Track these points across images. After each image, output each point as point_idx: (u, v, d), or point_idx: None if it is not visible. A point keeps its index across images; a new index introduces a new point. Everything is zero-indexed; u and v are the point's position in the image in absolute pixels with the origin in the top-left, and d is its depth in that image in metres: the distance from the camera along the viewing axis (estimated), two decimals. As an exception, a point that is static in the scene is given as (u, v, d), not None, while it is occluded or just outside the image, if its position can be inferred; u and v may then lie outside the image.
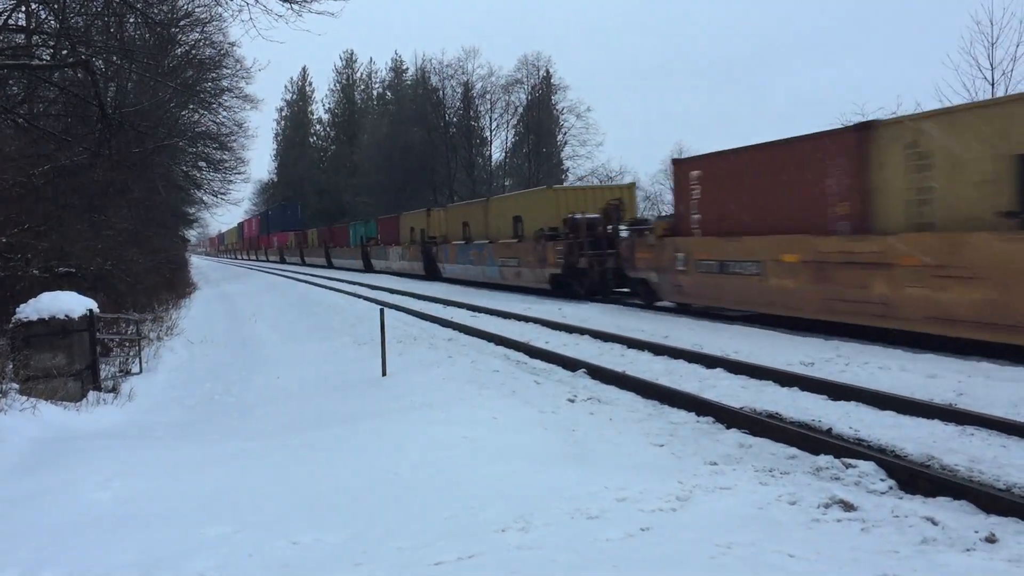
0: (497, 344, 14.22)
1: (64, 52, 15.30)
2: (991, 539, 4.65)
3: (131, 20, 19.49)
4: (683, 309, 17.36)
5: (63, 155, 16.19)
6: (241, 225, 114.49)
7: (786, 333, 13.24)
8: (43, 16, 16.76)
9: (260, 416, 10.12)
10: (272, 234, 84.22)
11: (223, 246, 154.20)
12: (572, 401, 9.12)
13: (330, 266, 55.19)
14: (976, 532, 4.76)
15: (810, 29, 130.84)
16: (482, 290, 27.29)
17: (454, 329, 16.77)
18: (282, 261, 75.47)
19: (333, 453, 7.20)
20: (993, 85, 26.95)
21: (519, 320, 17.57)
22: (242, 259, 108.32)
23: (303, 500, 5.80)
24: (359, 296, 26.92)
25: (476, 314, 19.62)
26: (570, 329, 15.26)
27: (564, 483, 5.90)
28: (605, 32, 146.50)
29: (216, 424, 9.92)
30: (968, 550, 4.53)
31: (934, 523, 4.90)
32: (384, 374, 11.77)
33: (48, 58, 15.79)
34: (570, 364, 11.44)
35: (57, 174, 16.14)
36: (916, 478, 5.85)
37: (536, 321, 16.95)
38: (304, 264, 65.74)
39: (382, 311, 12.93)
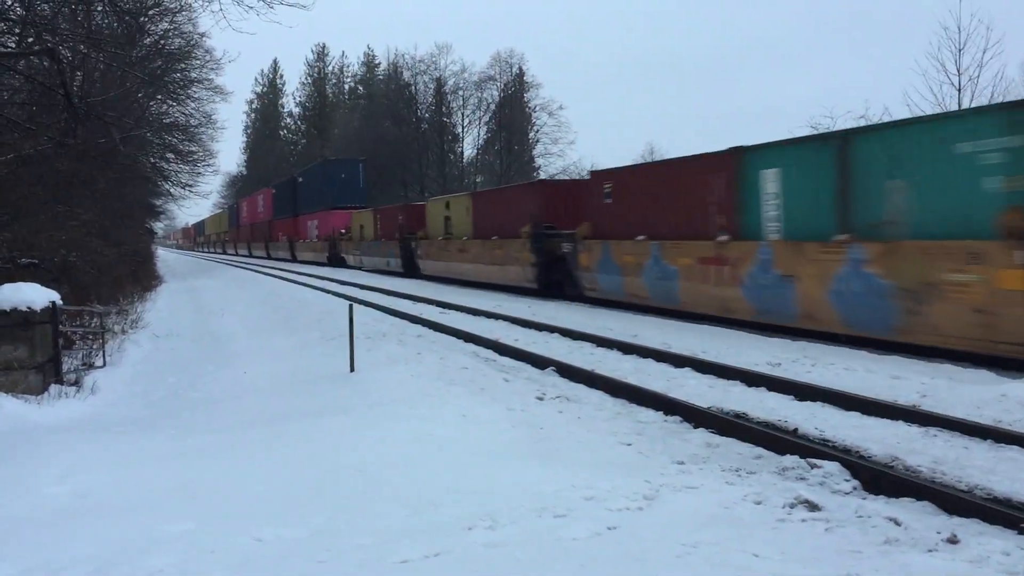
0: (466, 341, 14.19)
1: (30, 40, 15.07)
2: (953, 540, 4.69)
3: (99, 8, 19.20)
4: (648, 308, 17.43)
5: (27, 144, 15.92)
6: (234, 208, 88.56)
7: (754, 334, 13.33)
8: (8, 2, 16.47)
9: (225, 411, 10.01)
10: (300, 216, 55.78)
11: (201, 237, 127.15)
12: (541, 399, 9.11)
13: (412, 273, 33.86)
14: (938, 533, 4.80)
15: (782, 33, 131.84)
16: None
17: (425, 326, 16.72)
18: (336, 263, 45.52)
19: (298, 449, 7.13)
20: (960, 91, 27.32)
21: (489, 317, 17.55)
22: (235, 255, 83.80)
23: (266, 496, 5.74)
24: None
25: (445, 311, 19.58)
26: (540, 327, 15.26)
27: (532, 481, 5.88)
28: (579, 31, 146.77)
29: (180, 419, 9.80)
30: (930, 551, 4.56)
31: (897, 524, 4.94)
32: (352, 370, 11.69)
33: (13, 46, 15.52)
34: (539, 362, 11.43)
35: (21, 164, 15.87)
36: (880, 479, 5.90)
37: (506, 318, 16.94)
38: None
39: (351, 307, 12.85)
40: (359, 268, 41.07)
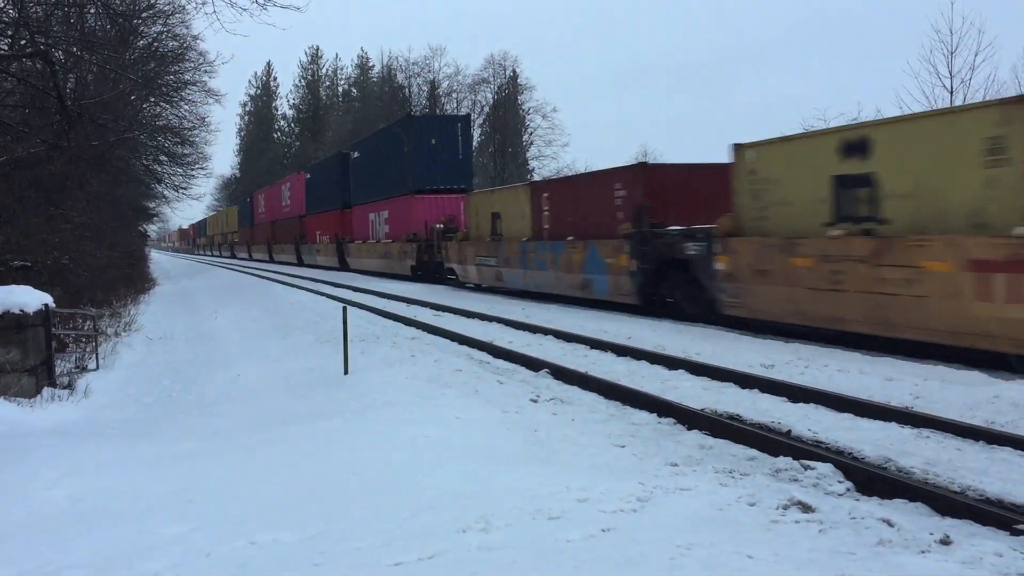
0: (460, 343, 14.20)
1: (23, 42, 15.04)
2: (945, 541, 4.71)
3: (92, 11, 19.19)
4: (642, 310, 17.45)
5: (20, 147, 15.89)
6: (247, 202, 73.90)
7: (748, 335, 13.35)
8: (1, 5, 16.44)
9: (219, 414, 10.00)
10: (357, 208, 41.30)
11: (202, 238, 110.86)
12: (535, 401, 9.12)
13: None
14: (931, 534, 4.82)
15: (776, 35, 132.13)
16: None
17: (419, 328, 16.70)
18: (431, 276, 31.19)
19: (293, 452, 7.13)
20: (952, 93, 27.39)
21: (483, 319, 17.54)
22: (247, 259, 71.47)
23: (262, 499, 5.73)
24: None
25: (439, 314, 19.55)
26: (534, 329, 15.27)
27: (526, 483, 5.88)
28: (573, 34, 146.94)
29: (174, 422, 9.79)
30: (923, 552, 4.58)
31: (890, 525, 4.96)
32: (346, 372, 11.69)
33: (6, 48, 15.49)
34: (533, 364, 11.44)
35: (14, 166, 15.84)
36: (873, 480, 5.92)
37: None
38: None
39: (345, 309, 12.84)
40: (482, 285, 26.93)
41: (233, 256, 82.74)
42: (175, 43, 29.63)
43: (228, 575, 4.38)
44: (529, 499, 5.48)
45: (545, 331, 14.84)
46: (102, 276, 21.45)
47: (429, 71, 66.68)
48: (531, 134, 65.09)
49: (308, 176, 52.32)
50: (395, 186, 34.42)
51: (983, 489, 5.63)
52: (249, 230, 73.43)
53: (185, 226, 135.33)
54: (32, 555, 4.79)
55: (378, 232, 37.82)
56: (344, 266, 43.41)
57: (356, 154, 41.93)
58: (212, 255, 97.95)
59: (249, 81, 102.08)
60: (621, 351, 12.19)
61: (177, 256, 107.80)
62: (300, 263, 51.77)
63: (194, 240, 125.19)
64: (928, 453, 6.53)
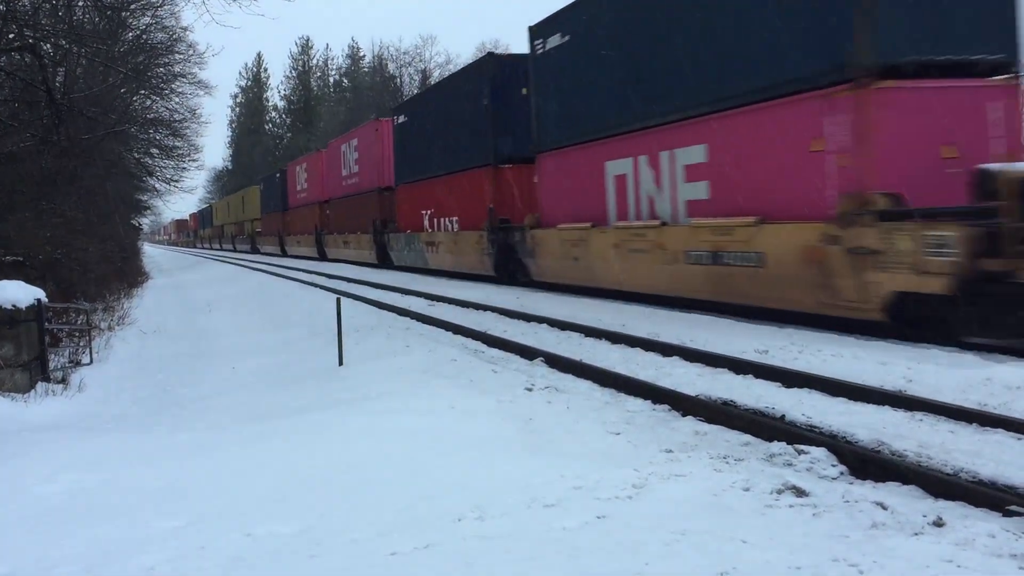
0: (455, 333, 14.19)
1: (11, 36, 14.95)
2: (939, 523, 4.73)
3: (80, 3, 19.11)
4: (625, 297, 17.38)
5: (10, 141, 15.83)
6: (276, 180, 56.81)
7: (741, 321, 13.37)
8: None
9: (214, 407, 10.00)
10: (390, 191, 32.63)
11: (207, 229, 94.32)
12: (529, 390, 9.12)
13: None
14: (924, 516, 4.84)
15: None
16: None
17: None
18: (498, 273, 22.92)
19: (288, 444, 7.13)
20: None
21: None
22: (278, 255, 55.30)
23: (257, 492, 5.74)
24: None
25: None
26: (528, 318, 15.28)
27: (521, 472, 5.90)
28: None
29: (169, 415, 9.78)
30: (916, 534, 4.61)
31: (884, 508, 4.98)
32: (340, 364, 11.69)
33: (-7, 42, 15.40)
34: (528, 353, 11.45)
35: (3, 161, 15.78)
36: (867, 463, 5.94)
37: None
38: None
39: (338, 300, 12.83)
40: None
41: (255, 251, 64.63)
42: (164, 35, 29.60)
43: (223, 568, 4.39)
44: (524, 487, 5.50)
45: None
46: (95, 270, 21.40)
47: (420, 60, 66.76)
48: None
49: (404, 119, 31.22)
50: (466, 156, 24.84)
51: (976, 471, 5.65)
52: (280, 216, 55.57)
53: (183, 216, 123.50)
54: (27, 550, 4.79)
55: (435, 219, 27.83)
56: (384, 261, 33.86)
57: (402, 118, 31.37)
58: (220, 250, 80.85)
59: (240, 73, 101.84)
60: (615, 338, 12.21)
61: (175, 252, 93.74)
62: (383, 262, 34.00)
63: (195, 232, 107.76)
64: (921, 436, 6.55)
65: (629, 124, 16.32)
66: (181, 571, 4.38)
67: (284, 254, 54.42)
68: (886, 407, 7.49)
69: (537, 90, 20.41)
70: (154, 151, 35.61)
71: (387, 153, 33.29)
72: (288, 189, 53.63)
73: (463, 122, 24.97)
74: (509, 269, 22.63)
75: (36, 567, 4.52)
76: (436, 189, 27.50)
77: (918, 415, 7.16)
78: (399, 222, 31.72)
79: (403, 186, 31.13)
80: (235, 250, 72.93)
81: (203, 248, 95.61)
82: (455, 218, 25.87)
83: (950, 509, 5.03)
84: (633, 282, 16.42)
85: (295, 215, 51.83)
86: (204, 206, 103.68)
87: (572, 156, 18.82)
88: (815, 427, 7.06)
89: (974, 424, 6.78)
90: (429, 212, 28.36)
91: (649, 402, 8.32)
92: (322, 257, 44.97)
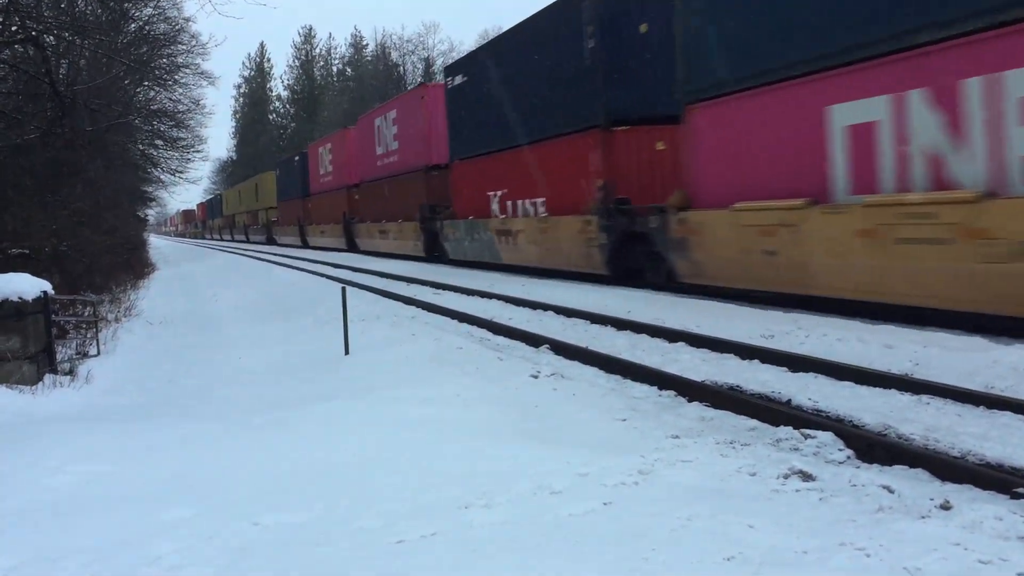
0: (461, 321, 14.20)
1: (13, 28, 14.94)
2: (946, 506, 4.73)
3: (82, -5, 19.08)
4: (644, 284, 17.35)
5: (14, 134, 15.83)
6: (295, 164, 51.46)
7: (747, 306, 13.35)
8: (-11, -9, 16.33)
9: (220, 397, 10.02)
10: (440, 169, 27.94)
11: (217, 220, 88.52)
12: (535, 377, 9.13)
13: None
14: (932, 500, 4.84)
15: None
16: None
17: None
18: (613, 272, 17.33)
19: (295, 434, 7.15)
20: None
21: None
22: (297, 246, 50.17)
23: (265, 482, 5.75)
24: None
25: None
26: (534, 305, 15.27)
27: (527, 459, 5.91)
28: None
29: (176, 406, 9.81)
30: (924, 517, 4.60)
31: (890, 491, 4.98)
32: (347, 353, 11.70)
33: (-4, 34, 15.39)
34: (533, 340, 11.44)
35: (8, 154, 15.80)
36: (873, 447, 5.93)
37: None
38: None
39: (344, 289, 12.84)
40: None
41: (272, 241, 59.87)
42: (167, 26, 29.55)
43: (231, 558, 4.41)
44: (530, 475, 5.50)
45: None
46: (101, 262, 21.43)
47: (423, 48, 66.63)
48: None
49: (461, 80, 25.37)
50: (558, 118, 19.27)
51: (983, 454, 5.64)
52: (300, 204, 50.13)
53: (190, 206, 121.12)
54: (37, 541, 4.81)
55: (509, 201, 22.24)
56: (434, 253, 28.64)
57: (459, 79, 25.33)
58: (231, 241, 76.64)
59: (243, 63, 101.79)
60: (621, 325, 12.20)
61: (183, 244, 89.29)
62: (433, 255, 28.86)
63: (204, 222, 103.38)
64: (928, 419, 6.54)
65: (880, 43, 10.47)
66: (190, 561, 4.39)
67: (305, 245, 49.43)
68: (892, 390, 7.48)
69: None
70: (159, 142, 35.64)
71: (436, 125, 27.74)
72: (309, 173, 48.16)
73: (553, 75, 19.25)
74: (632, 266, 16.87)
75: (45, 558, 4.54)
76: (511, 164, 21.80)
77: (924, 398, 7.15)
78: (455, 207, 26.28)
79: (461, 163, 25.53)
80: (248, 241, 68.61)
81: (212, 239, 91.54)
82: (540, 200, 20.26)
83: (957, 492, 5.02)
84: (902, 290, 10.39)
85: (318, 202, 46.63)
86: (211, 196, 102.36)
87: (755, 104, 12.93)
88: (821, 411, 7.06)
89: (981, 407, 6.77)
90: (500, 193, 22.69)
91: (655, 388, 8.32)
92: (352, 248, 39.65)
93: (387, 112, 33.29)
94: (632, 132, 17.35)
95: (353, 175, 39.03)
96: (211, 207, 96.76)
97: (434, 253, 28.72)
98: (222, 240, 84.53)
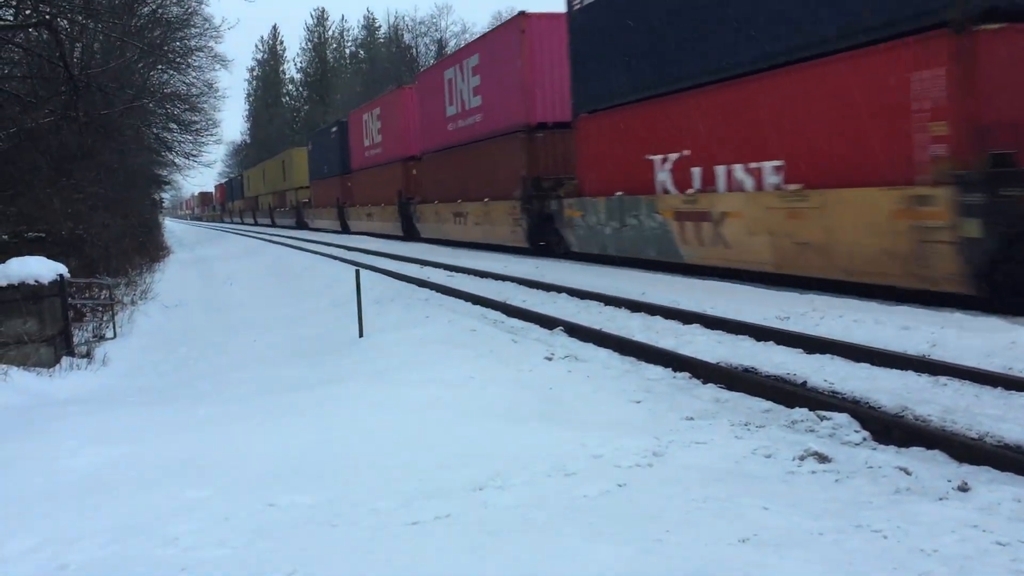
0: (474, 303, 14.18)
1: (27, 12, 14.96)
2: (964, 488, 4.70)
3: (95, -22, 19.03)
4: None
5: (29, 118, 15.89)
6: (337, 131, 44.68)
7: (763, 288, 13.28)
8: (3, -25, 16.34)
9: (236, 380, 10.06)
10: (543, 132, 21.61)
11: (237, 202, 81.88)
12: (549, 359, 9.12)
13: None
14: (949, 481, 4.81)
15: None
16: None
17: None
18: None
19: (309, 415, 7.17)
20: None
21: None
22: (350, 236, 39.77)
23: (279, 463, 5.77)
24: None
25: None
26: (547, 288, 15.24)
27: (541, 441, 5.90)
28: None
29: (192, 388, 9.86)
30: (941, 499, 4.57)
31: (907, 473, 4.95)
32: (361, 335, 11.72)
33: (11, 18, 15.42)
34: (547, 322, 11.43)
35: (24, 137, 15.86)
36: (890, 429, 5.90)
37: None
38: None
39: (357, 272, 12.85)
40: None
41: (302, 225, 53.23)
42: (180, 8, 29.53)
43: (247, 538, 4.42)
44: (545, 457, 5.50)
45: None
46: (116, 245, 21.54)
47: (436, 30, 66.36)
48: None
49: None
50: (834, 20, 11.67)
51: (1001, 435, 5.60)
52: (339, 182, 43.75)
53: (207, 188, 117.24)
54: (55, 522, 4.84)
55: (693, 169, 15.28)
56: (539, 243, 22.07)
57: None
58: (255, 225, 70.58)
59: (256, 46, 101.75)
60: (635, 307, 12.16)
61: (201, 228, 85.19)
62: (539, 244, 22.20)
63: (223, 205, 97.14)
64: (945, 401, 6.49)
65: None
66: (206, 541, 4.42)
67: (346, 230, 42.98)
68: (909, 372, 7.43)
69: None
70: (172, 126, 35.66)
71: (544, 68, 21.81)
72: (351, 146, 41.63)
73: None
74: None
75: (65, 539, 4.57)
76: (702, 111, 14.90)
77: (942, 379, 7.10)
78: (583, 179, 19.31)
79: (593, 117, 18.55)
80: (274, 225, 62.55)
81: (231, 223, 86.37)
82: (772, 164, 13.17)
83: (975, 474, 4.99)
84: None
85: (363, 179, 39.53)
86: (230, 176, 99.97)
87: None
88: (837, 393, 7.02)
89: (999, 388, 6.71)
90: (675, 157, 15.61)
91: (669, 370, 8.30)
92: (408, 236, 32.93)
93: (465, 59, 26.20)
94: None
95: (412, 144, 32.47)
96: (231, 188, 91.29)
97: (540, 242, 22.02)
98: (243, 224, 79.92)
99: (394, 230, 34.62)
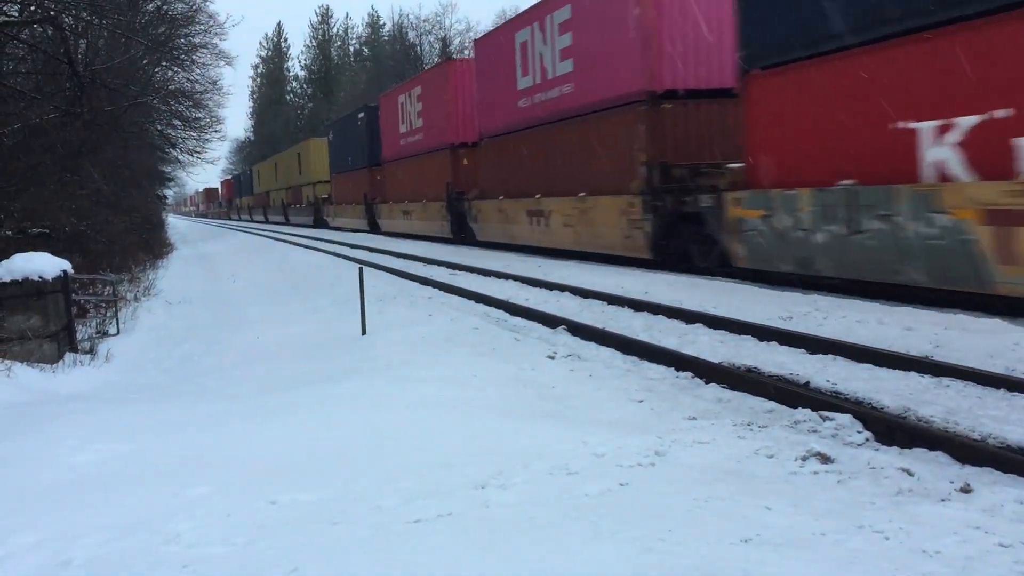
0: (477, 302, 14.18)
1: (32, 8, 14.97)
2: (966, 489, 4.69)
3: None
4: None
5: (33, 114, 15.88)
6: (365, 118, 38.87)
7: (766, 288, 13.27)
8: (8, -30, 16.34)
9: (239, 377, 10.07)
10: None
11: (247, 198, 76.53)
12: (551, 358, 9.11)
13: None
14: (951, 483, 4.80)
15: None
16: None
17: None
18: None
19: (312, 413, 7.17)
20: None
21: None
22: (402, 240, 32.03)
23: (281, 461, 5.77)
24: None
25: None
26: (550, 286, 15.24)
27: (543, 440, 5.90)
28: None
29: (195, 385, 9.87)
30: (943, 500, 4.57)
31: (910, 474, 4.94)
32: (364, 333, 11.72)
33: (16, 14, 15.43)
34: (550, 321, 11.43)
35: (28, 133, 15.86)
36: (892, 430, 5.90)
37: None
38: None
39: (361, 270, 12.85)
40: None
41: (321, 224, 48.36)
42: (184, 5, 29.52)
43: (249, 535, 4.43)
44: (547, 455, 5.50)
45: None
46: (120, 242, 21.55)
47: (440, 28, 66.26)
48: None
49: None
50: None
51: (1004, 436, 5.59)
52: (367, 176, 38.63)
53: (212, 185, 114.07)
54: (55, 520, 4.85)
55: (1009, 140, 9.29)
56: (665, 254, 16.82)
57: None
58: (265, 222, 65.17)
59: (260, 43, 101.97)
60: (638, 306, 12.15)
61: (208, 225, 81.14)
62: (666, 257, 16.74)
63: (230, 201, 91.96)
64: (948, 402, 6.49)
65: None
66: (208, 538, 4.42)
67: (375, 229, 38.00)
68: (912, 373, 7.43)
69: None
70: (176, 122, 35.62)
71: (673, 16, 16.17)
72: (381, 134, 36.27)
73: None
74: None
75: (67, 536, 4.57)
76: None
77: (945, 381, 7.09)
78: (758, 165, 13.63)
79: (786, 72, 12.79)
80: (288, 223, 57.20)
81: (239, 220, 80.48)
82: None
83: (978, 475, 4.99)
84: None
85: (396, 171, 34.27)
86: (238, 171, 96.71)
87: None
88: (840, 393, 7.01)
89: (1002, 389, 6.71)
90: (969, 124, 9.90)
91: (672, 369, 8.30)
92: (458, 239, 28.24)
93: (548, 15, 20.45)
94: None
95: (464, 129, 27.32)
96: (238, 184, 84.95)
97: (666, 253, 16.72)
98: (252, 221, 73.77)
99: (440, 231, 29.13)
